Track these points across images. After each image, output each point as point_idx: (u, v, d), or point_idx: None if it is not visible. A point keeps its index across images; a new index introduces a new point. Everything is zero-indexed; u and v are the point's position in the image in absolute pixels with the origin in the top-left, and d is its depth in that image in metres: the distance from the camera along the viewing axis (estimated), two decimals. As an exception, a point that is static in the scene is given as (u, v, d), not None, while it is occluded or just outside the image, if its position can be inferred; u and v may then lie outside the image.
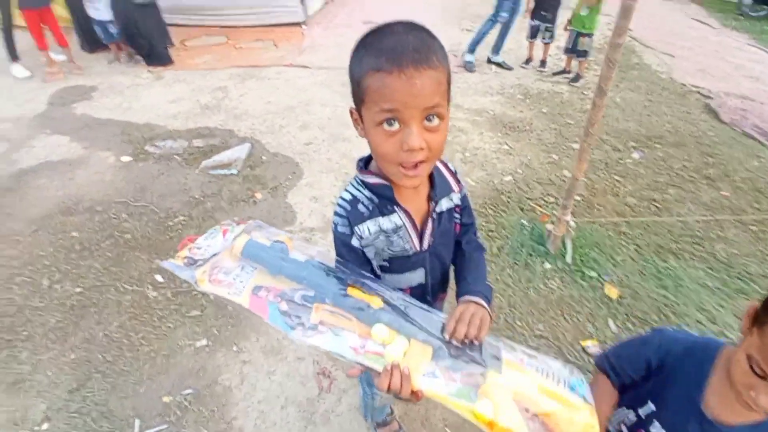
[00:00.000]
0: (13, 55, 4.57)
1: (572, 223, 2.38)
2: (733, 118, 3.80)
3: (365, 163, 0.91)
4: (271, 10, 6.19)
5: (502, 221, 2.73)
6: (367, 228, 0.89)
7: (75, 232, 2.67)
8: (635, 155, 3.37)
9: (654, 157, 3.34)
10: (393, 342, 0.76)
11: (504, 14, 4.46)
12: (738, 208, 2.84)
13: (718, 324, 2.13)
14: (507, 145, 3.51)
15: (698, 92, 4.31)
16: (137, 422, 1.77)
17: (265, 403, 1.83)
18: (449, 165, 1.00)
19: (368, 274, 0.86)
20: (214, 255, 0.86)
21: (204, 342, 2.07)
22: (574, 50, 4.45)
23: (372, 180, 0.88)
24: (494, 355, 0.81)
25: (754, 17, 6.30)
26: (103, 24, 4.75)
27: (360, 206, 0.89)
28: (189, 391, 1.88)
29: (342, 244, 0.91)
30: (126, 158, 3.37)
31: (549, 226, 2.50)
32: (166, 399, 1.85)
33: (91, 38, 5.15)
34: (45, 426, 1.74)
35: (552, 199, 2.93)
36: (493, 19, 4.51)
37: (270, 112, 4.06)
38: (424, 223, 0.94)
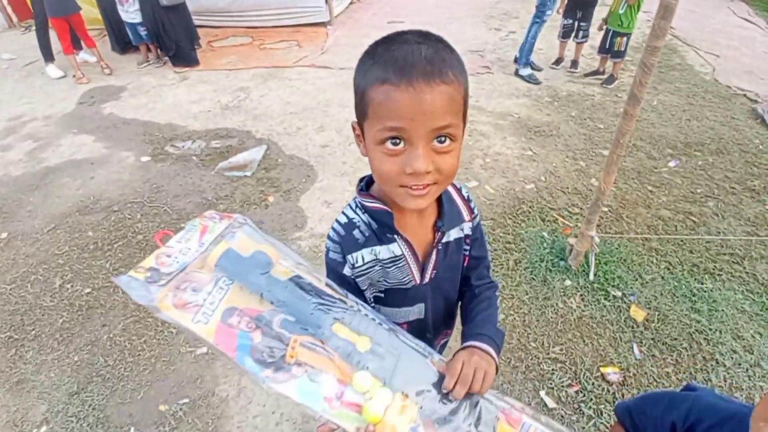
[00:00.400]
0: (48, 56, 4.75)
1: (596, 239, 2.20)
2: (784, 124, 3.46)
3: (366, 185, 0.82)
4: (296, 11, 6.20)
5: (521, 232, 2.57)
6: (361, 257, 0.80)
7: (90, 231, 2.71)
8: (671, 164, 3.12)
9: (692, 166, 3.08)
10: (375, 395, 0.66)
11: (549, 11, 4.18)
12: (788, 226, 2.57)
13: (754, 354, 1.91)
14: (531, 150, 3.33)
15: (744, 95, 3.96)
16: (132, 430, 1.75)
17: (261, 419, 1.77)
18: (462, 190, 0.89)
19: (359, 301, 0.74)
20: (184, 267, 0.69)
21: (204, 350, 2.03)
22: (609, 50, 4.18)
23: (371, 204, 0.78)
24: (490, 419, 0.70)
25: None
26: (133, 26, 4.88)
27: (356, 232, 0.80)
28: (185, 400, 1.85)
29: (332, 271, 0.83)
30: (145, 158, 3.41)
31: (571, 240, 2.32)
32: (162, 407, 1.82)
33: (122, 40, 5.31)
34: (43, 429, 1.74)
35: (577, 210, 2.74)
36: (539, 20, 4.22)
37: (288, 113, 4.03)
38: (427, 255, 0.83)
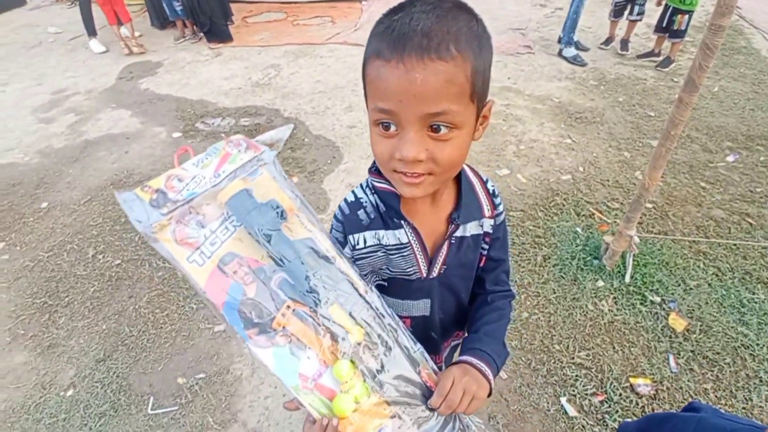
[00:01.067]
0: (91, 31, 4.89)
1: (636, 239, 2.02)
2: None
3: None
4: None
5: (552, 226, 2.42)
6: (363, 239, 0.75)
7: (123, 204, 2.79)
8: (730, 158, 2.83)
9: (754, 162, 2.78)
10: (350, 389, 0.62)
11: None
12: None
13: (810, 378, 1.72)
14: (570, 138, 3.12)
15: (825, 83, 3.52)
16: (151, 400, 1.81)
17: (272, 400, 1.78)
18: (488, 183, 0.80)
19: (368, 285, 0.68)
20: (192, 198, 0.60)
21: (222, 327, 2.06)
22: (667, 29, 3.79)
23: (380, 185, 0.72)
24: None
25: None
26: (169, 1, 4.91)
27: (361, 212, 0.74)
28: (202, 375, 1.88)
29: None
30: (177, 134, 3.47)
31: (607, 238, 2.16)
32: (180, 380, 1.87)
33: (161, 15, 5.38)
34: (69, 392, 1.83)
35: (617, 206, 2.54)
36: None
37: (318, 91, 3.97)
38: (437, 247, 0.76)
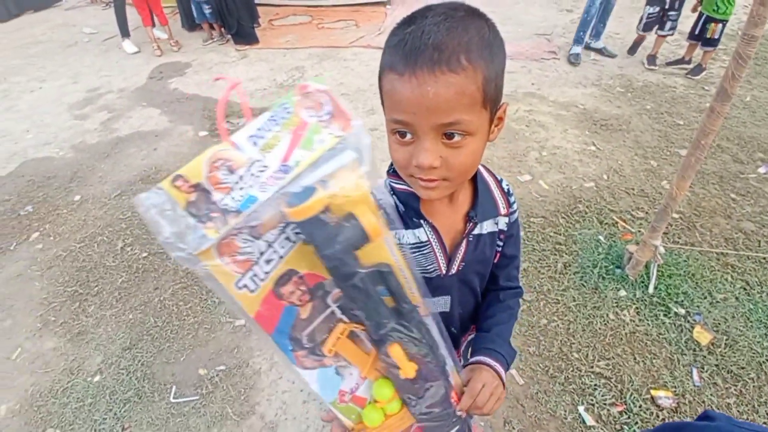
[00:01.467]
0: (125, 32, 5.07)
1: (662, 249, 1.98)
2: None
3: None
4: (356, -9, 6.13)
5: (573, 234, 2.39)
6: None
7: (150, 199, 2.89)
8: (762, 170, 2.74)
9: (788, 174, 2.69)
10: (385, 406, 0.62)
11: None
12: None
13: None
14: (594, 145, 3.07)
15: None
16: (174, 389, 1.87)
17: (289, 395, 1.81)
18: (503, 183, 0.83)
19: (431, 314, 0.60)
20: (252, 212, 0.44)
21: (242, 321, 2.11)
22: (700, 37, 3.69)
23: (399, 186, 0.74)
24: None
25: None
26: (198, 4, 5.05)
27: (381, 213, 0.76)
28: (222, 367, 1.93)
29: None
30: (203, 133, 3.57)
31: (631, 247, 2.12)
32: (202, 371, 1.93)
33: (191, 17, 5.53)
34: (96, 378, 1.91)
35: (641, 215, 2.49)
36: None
37: (341, 94, 4.02)
38: (456, 245, 0.78)
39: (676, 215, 2.45)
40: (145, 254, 2.49)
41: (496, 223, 0.81)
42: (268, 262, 0.47)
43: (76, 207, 2.87)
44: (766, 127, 3.11)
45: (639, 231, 2.34)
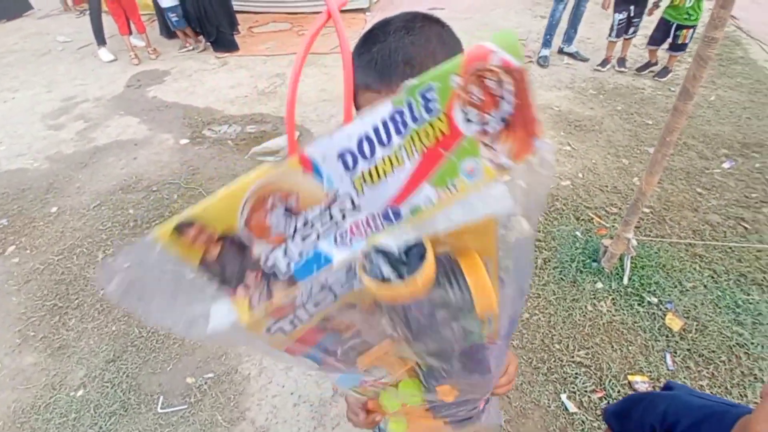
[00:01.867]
0: (101, 40, 4.99)
1: (634, 242, 2.08)
2: None
3: None
4: (335, -3, 6.18)
5: (552, 231, 2.48)
6: None
7: (131, 209, 2.85)
8: (726, 165, 2.89)
9: (749, 169, 2.84)
10: (408, 402, 0.60)
11: None
12: None
13: (804, 375, 1.76)
14: (570, 146, 3.18)
15: (818, 92, 3.60)
16: (161, 399, 1.85)
17: (279, 399, 1.82)
18: None
19: None
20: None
21: (230, 328, 2.11)
22: (672, 43, 3.81)
23: None
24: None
25: None
26: (166, 11, 4.99)
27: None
28: (210, 375, 1.93)
29: None
30: (184, 141, 3.54)
31: (606, 242, 2.21)
32: (189, 380, 1.92)
33: (168, 25, 5.49)
34: (80, 392, 1.87)
35: (615, 210, 2.60)
36: None
37: (322, 100, 4.05)
38: None
39: (647, 210, 2.56)
40: (127, 264, 2.46)
41: None
42: (316, 304, 0.33)
43: (53, 219, 2.81)
44: (729, 125, 3.28)
45: (613, 226, 2.44)
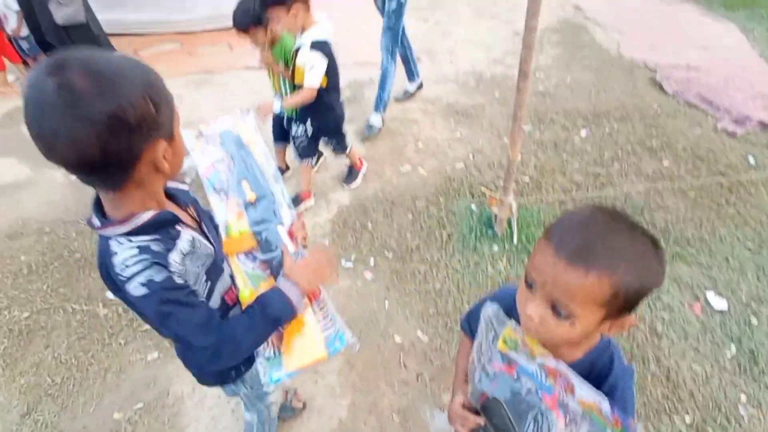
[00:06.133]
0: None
1: (514, 205, 2.43)
2: (677, 89, 3.89)
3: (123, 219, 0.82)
4: (226, 14, 6.08)
5: (452, 208, 2.78)
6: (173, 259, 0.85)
7: (23, 255, 2.63)
8: (583, 133, 3.45)
9: (601, 134, 3.42)
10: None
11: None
12: (677, 176, 2.94)
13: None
14: (459, 132, 3.55)
15: (645, 66, 4.40)
16: (88, 440, 1.78)
17: (216, 409, 1.85)
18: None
19: None
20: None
21: (156, 355, 2.07)
22: None
23: (143, 220, 0.82)
24: None
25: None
26: (16, 40, 4.58)
27: (153, 246, 0.82)
28: (140, 405, 1.89)
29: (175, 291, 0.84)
30: (74, 177, 3.31)
31: (494, 209, 2.55)
32: (117, 415, 1.86)
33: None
34: (-8, 453, 1.74)
35: (501, 182, 2.97)
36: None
37: (225, 114, 4.02)
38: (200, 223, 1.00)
39: (527, 178, 2.98)
40: (26, 314, 2.28)
41: None
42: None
43: (-75, 281, 2.49)
44: (582, 101, 3.89)
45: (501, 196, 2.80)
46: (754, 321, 2.11)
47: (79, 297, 2.35)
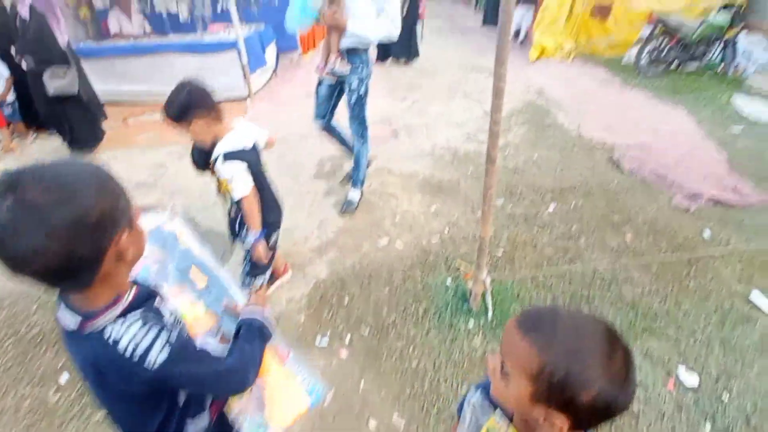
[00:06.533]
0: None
1: (488, 280, 2.49)
2: (632, 166, 4.23)
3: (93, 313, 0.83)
4: (214, 89, 6.43)
5: (428, 281, 2.82)
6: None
7: (-24, 332, 2.48)
8: (551, 208, 3.65)
9: (567, 209, 3.62)
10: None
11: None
12: (640, 251, 3.10)
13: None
14: (435, 206, 3.70)
15: (603, 146, 4.80)
16: None
17: None
18: None
19: None
20: None
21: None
22: None
23: (131, 297, 0.86)
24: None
25: (650, 77, 7.20)
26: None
27: (150, 315, 0.87)
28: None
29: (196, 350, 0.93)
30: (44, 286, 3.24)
31: (470, 284, 2.60)
32: None
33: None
34: None
35: (476, 256, 3.06)
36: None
37: (207, 185, 4.09)
38: None
39: (500, 252, 3.08)
40: (-30, 399, 2.10)
41: None
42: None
43: None
44: (549, 177, 4.16)
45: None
46: (725, 397, 2.13)
47: (32, 378, 2.20)
